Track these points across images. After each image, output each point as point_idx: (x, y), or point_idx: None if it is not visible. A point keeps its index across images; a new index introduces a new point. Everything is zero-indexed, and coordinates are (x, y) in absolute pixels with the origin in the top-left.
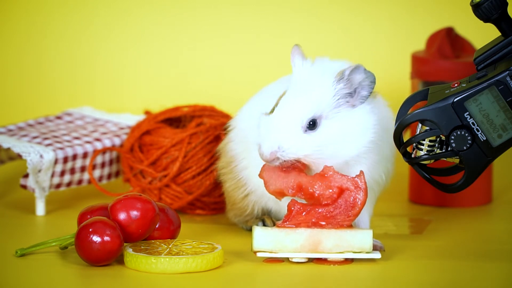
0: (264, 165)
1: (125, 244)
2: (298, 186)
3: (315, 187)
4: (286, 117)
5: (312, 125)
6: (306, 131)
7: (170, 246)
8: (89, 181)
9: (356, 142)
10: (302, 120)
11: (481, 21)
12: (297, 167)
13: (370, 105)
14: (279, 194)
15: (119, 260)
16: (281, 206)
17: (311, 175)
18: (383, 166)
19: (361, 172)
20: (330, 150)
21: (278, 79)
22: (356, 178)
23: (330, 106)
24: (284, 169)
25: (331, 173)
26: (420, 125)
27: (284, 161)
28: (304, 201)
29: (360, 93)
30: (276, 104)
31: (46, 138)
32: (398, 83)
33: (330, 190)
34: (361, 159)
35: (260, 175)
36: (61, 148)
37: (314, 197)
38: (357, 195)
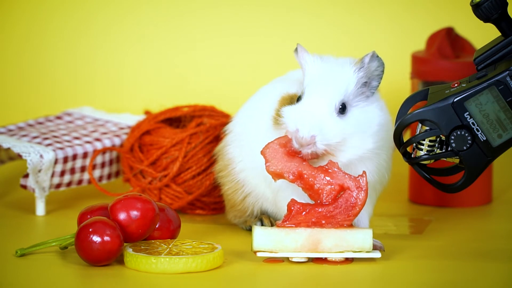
0: (268, 143)
1: (125, 244)
2: (299, 174)
3: (317, 179)
4: (319, 101)
5: (343, 109)
6: (338, 115)
7: (170, 246)
8: (89, 181)
9: (376, 134)
10: (335, 103)
11: (481, 21)
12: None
13: (381, 102)
14: (277, 176)
15: (119, 260)
16: (278, 207)
17: (314, 167)
18: (388, 165)
19: (364, 172)
20: (359, 138)
21: (271, 80)
22: (358, 178)
23: (353, 94)
24: (289, 153)
25: (335, 169)
26: (420, 125)
27: (317, 149)
28: (303, 200)
29: (371, 83)
30: (300, 96)
31: (46, 138)
32: (398, 83)
33: (330, 186)
34: (374, 155)
35: (262, 152)
36: (61, 148)
37: (313, 189)
38: (358, 195)
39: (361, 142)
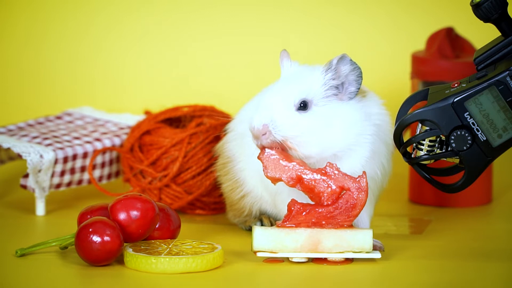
0: (264, 149)
1: (125, 244)
2: (298, 178)
3: (316, 182)
4: (278, 95)
5: (303, 106)
6: (297, 110)
7: (170, 246)
8: (89, 181)
9: (343, 134)
10: (294, 99)
11: (481, 21)
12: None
13: (360, 103)
14: (276, 181)
15: (119, 260)
16: (278, 209)
17: (313, 169)
18: (377, 162)
19: (364, 172)
20: (318, 136)
21: (275, 81)
22: (358, 179)
23: (320, 94)
24: (287, 157)
25: (334, 171)
26: (420, 125)
27: (274, 138)
28: (303, 200)
29: (348, 88)
30: None
31: (46, 138)
32: (398, 83)
33: (331, 189)
34: (351, 152)
35: (259, 158)
36: (61, 148)
37: (314, 192)
38: (358, 196)
39: (325, 138)
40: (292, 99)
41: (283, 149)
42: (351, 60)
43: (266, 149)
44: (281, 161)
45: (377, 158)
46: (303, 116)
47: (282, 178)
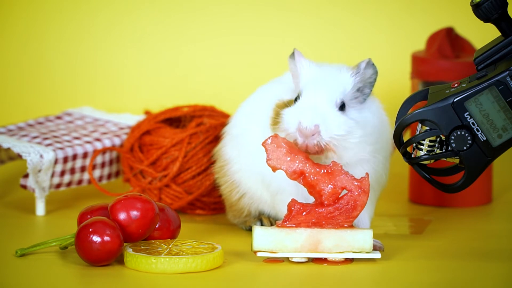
0: (272, 137)
1: (125, 244)
2: (301, 172)
3: (319, 179)
4: (319, 96)
5: (342, 107)
6: (339, 111)
7: (170, 246)
8: (89, 181)
9: (372, 136)
10: (336, 99)
11: (481, 21)
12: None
13: (374, 105)
14: (276, 169)
15: (119, 260)
16: (276, 210)
17: (317, 165)
18: (385, 166)
19: (367, 174)
20: (358, 136)
21: (268, 81)
22: (360, 180)
23: (350, 96)
24: (292, 149)
25: (338, 169)
26: (420, 125)
27: (321, 139)
28: (303, 201)
29: (363, 90)
30: (297, 97)
31: (46, 138)
32: (398, 83)
33: (332, 188)
34: (371, 157)
35: (264, 144)
36: (61, 148)
37: (315, 189)
38: (359, 197)
39: (360, 143)
40: (334, 99)
41: (318, 152)
42: (373, 64)
43: (271, 137)
44: (286, 154)
45: (385, 162)
46: (346, 116)
47: (283, 170)
